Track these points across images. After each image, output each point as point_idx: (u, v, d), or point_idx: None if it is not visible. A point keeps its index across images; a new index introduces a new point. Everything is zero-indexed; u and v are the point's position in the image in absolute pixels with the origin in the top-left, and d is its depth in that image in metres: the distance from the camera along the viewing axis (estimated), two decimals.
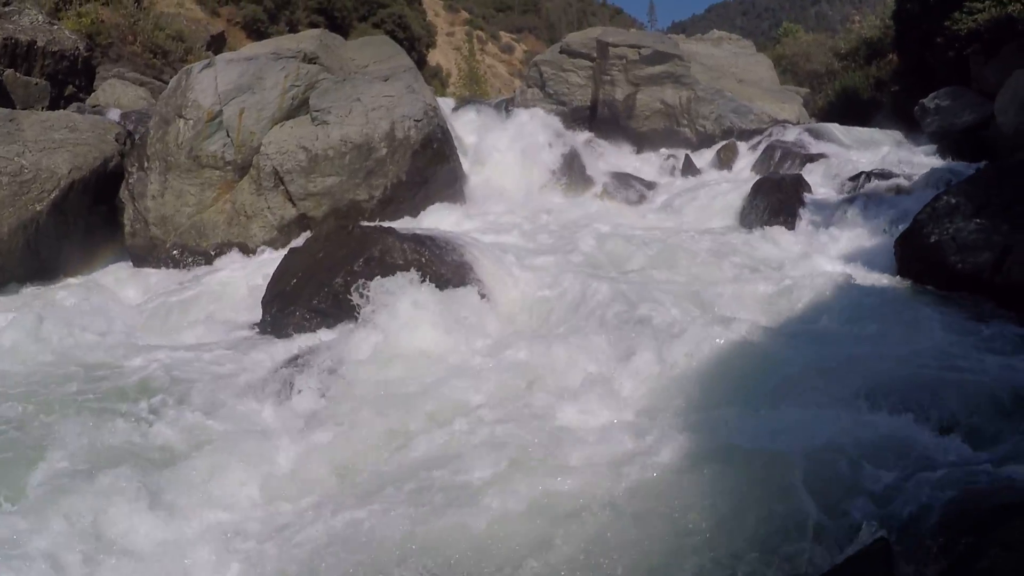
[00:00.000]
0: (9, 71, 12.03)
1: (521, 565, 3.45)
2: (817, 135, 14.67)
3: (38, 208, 9.18)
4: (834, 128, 15.14)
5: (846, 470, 3.87)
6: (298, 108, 10.64)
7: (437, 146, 11.03)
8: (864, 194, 10.27)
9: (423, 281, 6.96)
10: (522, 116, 14.39)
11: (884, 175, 10.86)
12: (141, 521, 3.97)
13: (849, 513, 3.53)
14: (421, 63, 29.56)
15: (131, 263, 10.10)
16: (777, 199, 10.55)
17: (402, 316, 6.62)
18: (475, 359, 5.90)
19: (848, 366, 5.19)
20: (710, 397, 4.89)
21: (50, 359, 6.41)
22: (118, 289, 9.21)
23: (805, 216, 9.99)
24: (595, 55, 17.26)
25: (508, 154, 13.01)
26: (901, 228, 8.17)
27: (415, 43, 32.67)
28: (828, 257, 8.67)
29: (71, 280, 9.35)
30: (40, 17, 13.45)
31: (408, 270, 7.11)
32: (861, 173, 11.23)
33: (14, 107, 10.95)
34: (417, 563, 3.49)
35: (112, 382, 5.81)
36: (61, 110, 11.78)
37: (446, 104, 15.42)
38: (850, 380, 4.94)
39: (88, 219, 9.92)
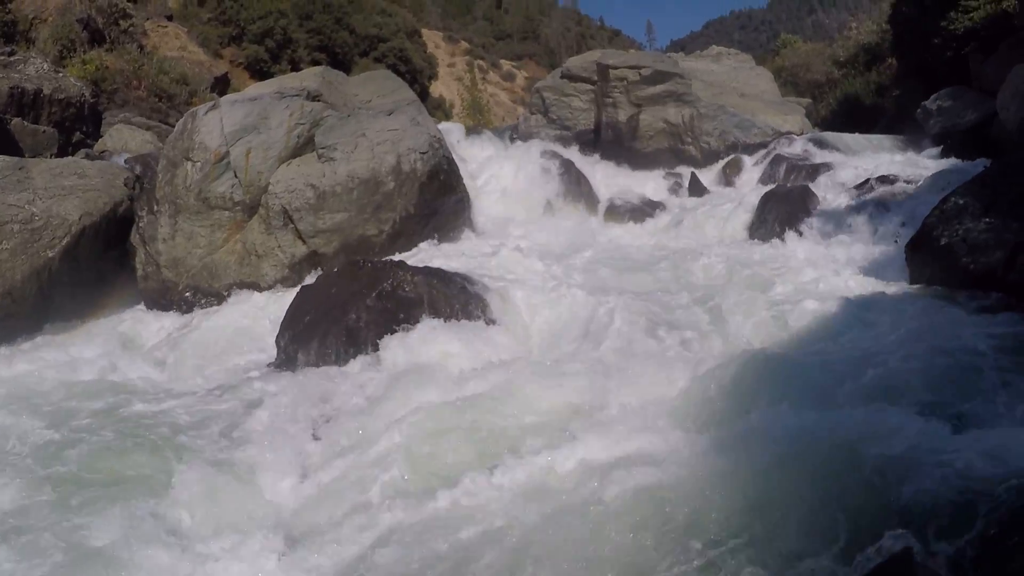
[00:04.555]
0: (17, 120, 12.16)
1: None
2: (821, 145, 14.68)
3: (50, 255, 9.24)
4: (838, 137, 15.14)
5: (871, 475, 3.83)
6: (304, 146, 10.69)
7: (444, 177, 11.08)
8: (872, 201, 10.28)
9: (435, 315, 7.00)
10: (527, 142, 14.46)
11: (890, 180, 10.86)
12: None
13: (873, 520, 3.50)
14: (424, 95, 29.78)
15: (144, 306, 10.12)
16: (786, 211, 10.57)
17: (417, 351, 6.68)
18: (492, 389, 5.86)
19: (868, 371, 5.20)
20: (731, 407, 4.88)
21: (70, 403, 6.47)
22: (132, 333, 9.26)
23: (814, 226, 10.01)
24: (596, 78, 17.33)
25: (514, 181, 13.08)
26: (911, 232, 8.16)
27: (417, 76, 32.89)
28: (840, 265, 8.69)
29: (85, 325, 9.36)
30: (45, 65, 13.58)
31: (420, 303, 7.16)
32: (867, 180, 11.23)
33: (23, 155, 11.03)
34: None
35: (130, 423, 5.84)
36: (69, 157, 11.86)
37: (458, 130, 15.46)
38: (871, 385, 4.96)
39: (100, 264, 9.97)
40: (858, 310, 6.76)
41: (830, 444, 4.11)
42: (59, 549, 4.20)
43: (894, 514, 3.53)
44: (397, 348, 6.82)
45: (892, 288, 7.46)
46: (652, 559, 3.56)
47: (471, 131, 17.50)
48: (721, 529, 3.65)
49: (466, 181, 11.94)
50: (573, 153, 15.12)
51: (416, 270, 7.58)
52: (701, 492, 3.95)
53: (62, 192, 9.72)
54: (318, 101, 11.06)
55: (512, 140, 15.62)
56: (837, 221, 9.91)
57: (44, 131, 12.60)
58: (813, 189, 11.49)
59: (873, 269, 8.24)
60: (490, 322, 7.38)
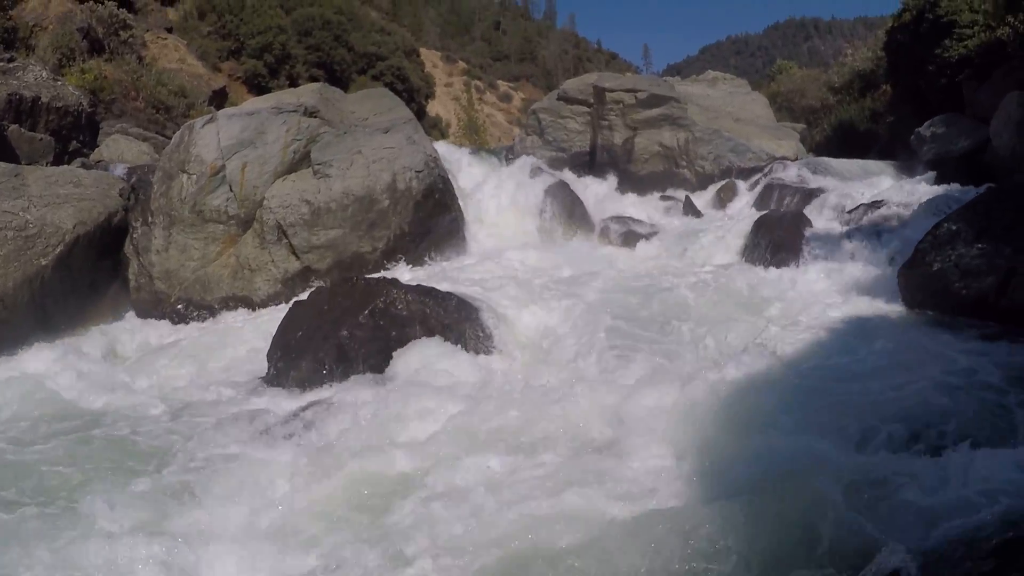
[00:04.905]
0: (14, 127, 12.13)
1: None
2: (815, 170, 14.71)
3: (43, 263, 9.18)
4: (832, 162, 15.17)
5: (862, 499, 3.86)
6: (300, 161, 10.71)
7: (439, 196, 11.10)
8: (865, 226, 10.32)
9: (428, 333, 7.01)
10: (521, 163, 14.47)
11: (884, 206, 10.89)
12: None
13: (865, 543, 3.50)
14: (420, 114, 29.80)
15: (136, 316, 10.09)
16: (779, 235, 10.57)
17: (407, 369, 6.68)
18: (484, 405, 5.85)
19: (859, 396, 5.24)
20: (718, 430, 4.86)
21: (56, 413, 6.45)
22: (123, 343, 9.22)
23: (808, 251, 10.01)
24: (592, 101, 17.39)
25: (509, 201, 13.07)
26: (904, 257, 8.19)
27: (414, 94, 32.95)
28: (833, 290, 8.71)
29: (76, 334, 9.30)
30: (44, 73, 13.56)
31: (413, 321, 7.16)
32: (861, 205, 11.26)
33: (19, 162, 11.00)
34: None
35: (118, 432, 5.82)
36: (66, 165, 11.84)
37: (456, 151, 15.48)
38: (862, 409, 4.98)
39: (93, 274, 9.94)
40: (849, 335, 6.79)
41: (814, 468, 4.12)
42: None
43: (887, 535, 3.52)
44: (389, 366, 6.82)
45: (884, 313, 7.49)
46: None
47: (466, 150, 17.52)
48: (709, 551, 3.64)
49: (460, 201, 11.95)
50: (568, 175, 15.12)
51: (409, 288, 7.59)
52: (689, 512, 3.95)
53: (57, 200, 9.68)
54: (315, 117, 11.09)
55: (508, 161, 15.63)
56: (830, 246, 9.92)
57: (41, 139, 12.57)
58: (807, 214, 11.52)
59: (866, 293, 8.25)
60: (482, 342, 7.37)
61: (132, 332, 9.61)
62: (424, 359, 6.80)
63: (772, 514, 3.80)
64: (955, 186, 11.48)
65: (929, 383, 5.28)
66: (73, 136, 13.48)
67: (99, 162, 12.76)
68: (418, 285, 7.82)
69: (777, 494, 3.92)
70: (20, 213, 9.23)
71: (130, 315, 10.15)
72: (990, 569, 2.91)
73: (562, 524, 3.97)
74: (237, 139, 10.53)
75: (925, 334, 6.60)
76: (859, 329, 6.89)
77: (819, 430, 4.72)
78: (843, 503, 3.82)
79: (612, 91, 16.99)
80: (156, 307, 10.08)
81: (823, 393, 5.40)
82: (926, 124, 14.48)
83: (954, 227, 7.44)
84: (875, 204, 11.07)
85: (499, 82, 61.93)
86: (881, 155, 16.26)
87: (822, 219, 11.50)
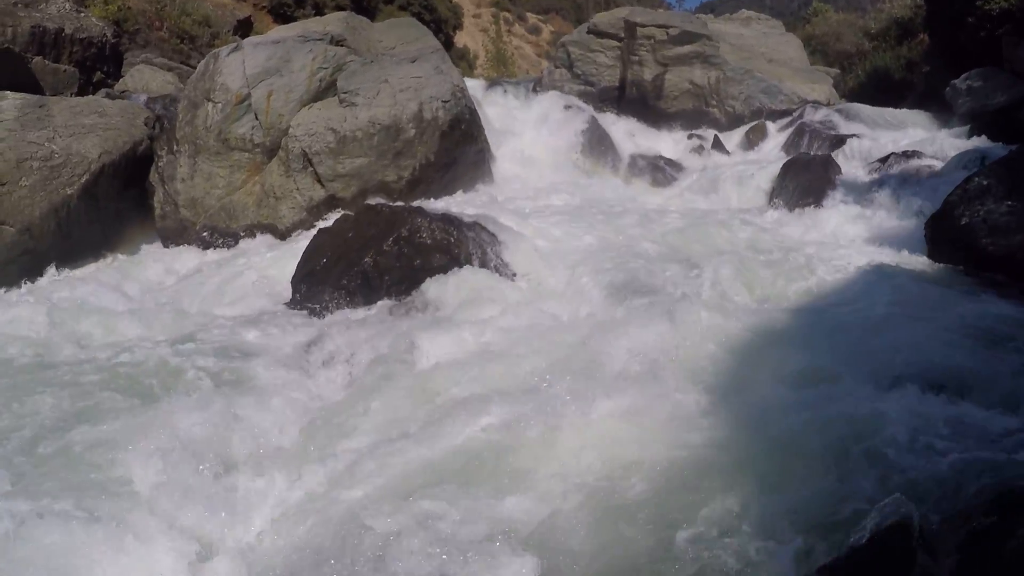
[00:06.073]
0: (38, 58, 12.11)
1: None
2: (847, 116, 14.51)
3: (69, 192, 9.30)
4: (864, 109, 14.95)
5: (876, 448, 3.87)
6: (326, 90, 10.67)
7: (465, 127, 11.05)
8: (894, 175, 10.19)
9: (451, 261, 7.04)
10: (549, 96, 14.35)
11: (915, 156, 10.74)
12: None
13: (875, 490, 3.54)
14: (448, 45, 29.39)
15: (161, 245, 10.21)
16: (807, 180, 10.49)
17: (432, 296, 6.73)
18: (504, 335, 5.89)
19: (879, 345, 5.19)
20: (737, 377, 4.88)
21: (85, 337, 6.60)
22: (149, 270, 9.32)
23: (835, 197, 9.93)
24: (623, 35, 17.13)
25: (536, 134, 13.00)
26: (931, 210, 8.11)
27: (442, 25, 32.48)
28: (858, 238, 8.66)
29: (102, 262, 9.44)
30: (67, 5, 13.51)
31: (437, 249, 7.19)
32: (891, 154, 11.11)
33: (43, 94, 11.03)
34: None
35: (146, 354, 5.92)
36: (90, 96, 11.85)
37: (476, 85, 15.35)
38: (881, 359, 4.94)
39: (118, 202, 10.03)
40: (871, 282, 6.75)
41: (832, 415, 4.15)
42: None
43: (894, 485, 3.56)
44: (413, 292, 6.90)
45: (909, 263, 7.42)
46: (655, 516, 3.61)
47: (494, 82, 17.38)
48: (726, 493, 3.69)
49: (487, 132, 11.88)
50: (596, 110, 14.97)
51: (434, 216, 7.59)
52: (705, 450, 3.99)
53: (82, 130, 9.76)
54: (341, 46, 11.04)
55: (536, 93, 15.50)
56: (858, 193, 9.82)
57: (65, 70, 12.58)
58: (836, 159, 11.38)
59: (891, 243, 8.19)
60: (505, 270, 7.40)
61: (158, 260, 9.72)
62: (451, 286, 6.85)
63: (784, 460, 3.84)
64: (989, 141, 11.28)
65: (951, 336, 5.25)
66: (97, 67, 13.49)
67: (124, 92, 12.78)
68: (443, 213, 7.83)
69: (789, 440, 3.97)
70: (45, 143, 9.33)
71: (156, 243, 10.28)
72: (994, 523, 2.93)
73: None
74: (263, 67, 10.51)
75: (949, 287, 6.55)
76: (882, 278, 6.83)
77: (837, 376, 4.73)
78: (857, 451, 3.85)
79: (643, 26, 16.71)
80: (181, 235, 10.17)
81: (842, 338, 5.39)
82: (963, 77, 14.14)
83: (985, 182, 7.34)
84: (906, 154, 10.91)
85: (528, 14, 60.86)
86: (915, 105, 15.95)
87: (851, 166, 11.36)
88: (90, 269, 9.16)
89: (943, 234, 7.50)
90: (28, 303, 7.45)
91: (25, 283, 8.60)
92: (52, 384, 5.41)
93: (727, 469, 3.85)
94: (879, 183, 9.89)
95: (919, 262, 7.49)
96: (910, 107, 15.83)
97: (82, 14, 13.71)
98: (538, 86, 17.21)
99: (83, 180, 9.40)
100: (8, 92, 9.83)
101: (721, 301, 6.66)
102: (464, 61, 36.81)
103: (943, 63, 15.96)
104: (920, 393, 4.40)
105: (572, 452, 4.13)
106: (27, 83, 11.35)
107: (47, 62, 12.29)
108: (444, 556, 3.37)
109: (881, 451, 3.86)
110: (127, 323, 6.84)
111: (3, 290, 8.44)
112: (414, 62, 11.24)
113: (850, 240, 8.60)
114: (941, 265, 7.34)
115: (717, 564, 3.27)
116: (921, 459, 3.78)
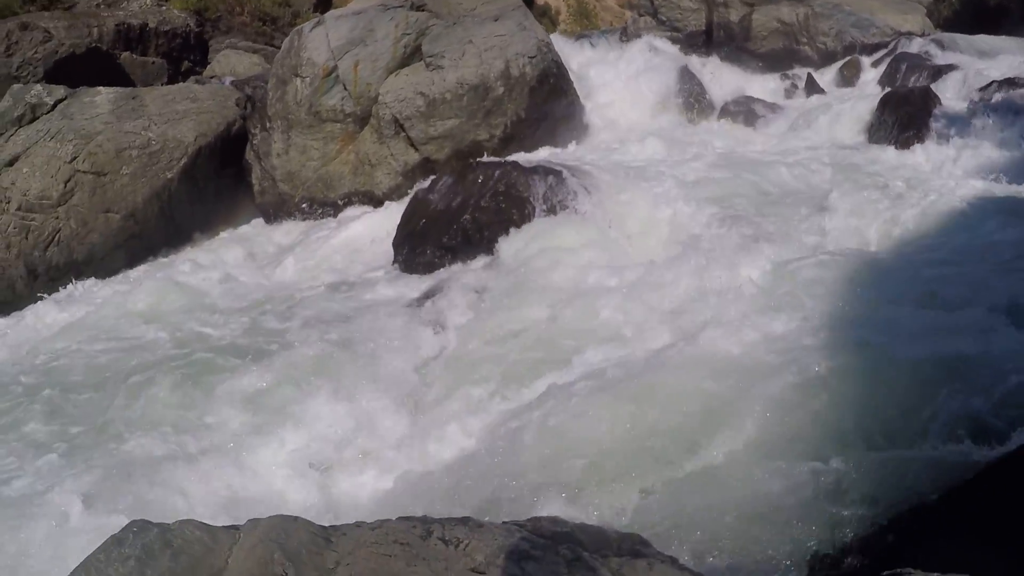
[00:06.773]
0: (125, 54, 12.45)
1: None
2: (943, 46, 13.77)
3: (169, 176, 9.53)
4: (961, 38, 14.18)
5: (987, 378, 3.76)
6: (411, 55, 10.60)
7: (553, 81, 10.86)
8: (997, 104, 9.70)
9: (549, 212, 6.92)
10: (636, 45, 14.07)
11: (1018, 84, 10.14)
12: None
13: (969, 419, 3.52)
14: (529, 2, 29.19)
15: (263, 220, 10.33)
16: (906, 113, 10.06)
17: (532, 249, 6.62)
18: (606, 283, 5.80)
19: (983, 276, 5.05)
20: (842, 303, 4.82)
21: (204, 308, 6.79)
22: (254, 245, 9.46)
23: (936, 129, 9.51)
24: None
25: (625, 84, 12.73)
26: None
27: None
28: (962, 170, 8.28)
29: (207, 241, 9.65)
30: (148, 1, 13.90)
31: (534, 201, 7.09)
32: (993, 82, 10.52)
33: (135, 86, 11.34)
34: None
35: (259, 322, 6.01)
36: (180, 83, 12.12)
37: (560, 40, 15.13)
38: (984, 291, 4.78)
39: (217, 182, 10.20)
40: (975, 216, 6.45)
41: (926, 349, 4.03)
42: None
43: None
44: (512, 246, 6.79)
45: (1016, 194, 7.06)
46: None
47: (579, 36, 17.11)
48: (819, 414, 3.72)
49: (575, 85, 11.66)
50: (684, 55, 14.58)
51: (527, 169, 7.53)
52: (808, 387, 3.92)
53: (176, 116, 9.97)
54: (422, 11, 10.98)
55: (622, 42, 15.21)
56: (960, 124, 9.40)
57: (153, 62, 12.92)
58: (935, 91, 10.84)
59: (996, 173, 7.80)
60: (603, 218, 7.23)
61: (261, 234, 9.87)
62: (547, 237, 6.72)
63: (891, 388, 3.82)
64: None
65: None
66: (184, 56, 13.81)
67: (212, 77, 13.03)
68: (537, 166, 7.70)
69: (896, 368, 3.92)
70: (142, 132, 9.58)
71: (257, 219, 10.38)
72: None
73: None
74: (347, 39, 10.51)
75: None
76: (988, 210, 6.53)
77: (927, 309, 4.62)
78: (970, 379, 3.78)
79: None
80: (281, 208, 10.26)
81: (935, 272, 5.24)
82: None
83: None
84: (1009, 82, 10.29)
85: None
86: (1012, 32, 15.06)
87: (952, 97, 10.79)
88: (197, 248, 9.34)
89: None
90: (144, 283, 7.64)
91: (136, 266, 8.83)
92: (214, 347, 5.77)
93: (838, 394, 3.85)
94: (982, 113, 9.47)
95: None
96: (1007, 34, 14.96)
97: (163, 8, 14.10)
98: (624, 36, 16.87)
99: (182, 163, 9.62)
100: (101, 88, 10.10)
101: (836, 235, 6.51)
102: (546, 17, 36.36)
103: None
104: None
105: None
106: (118, 78, 11.68)
107: (135, 56, 12.64)
108: None
109: (994, 382, 3.77)
110: (242, 293, 6.99)
111: (118, 274, 8.70)
112: (496, 20, 11.09)
113: (954, 172, 8.23)
114: None
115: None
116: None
